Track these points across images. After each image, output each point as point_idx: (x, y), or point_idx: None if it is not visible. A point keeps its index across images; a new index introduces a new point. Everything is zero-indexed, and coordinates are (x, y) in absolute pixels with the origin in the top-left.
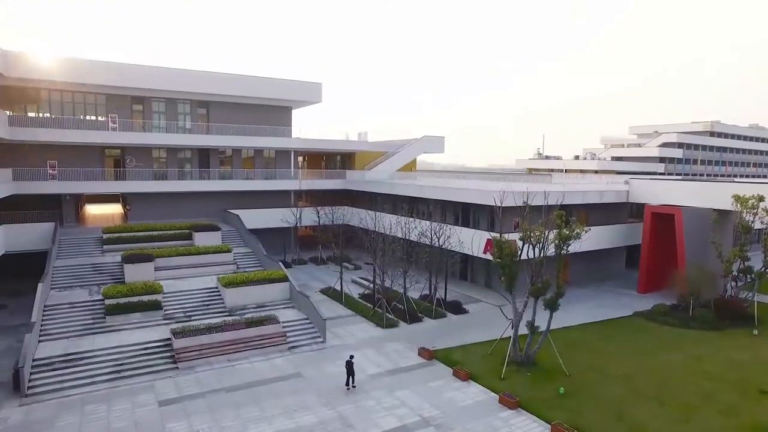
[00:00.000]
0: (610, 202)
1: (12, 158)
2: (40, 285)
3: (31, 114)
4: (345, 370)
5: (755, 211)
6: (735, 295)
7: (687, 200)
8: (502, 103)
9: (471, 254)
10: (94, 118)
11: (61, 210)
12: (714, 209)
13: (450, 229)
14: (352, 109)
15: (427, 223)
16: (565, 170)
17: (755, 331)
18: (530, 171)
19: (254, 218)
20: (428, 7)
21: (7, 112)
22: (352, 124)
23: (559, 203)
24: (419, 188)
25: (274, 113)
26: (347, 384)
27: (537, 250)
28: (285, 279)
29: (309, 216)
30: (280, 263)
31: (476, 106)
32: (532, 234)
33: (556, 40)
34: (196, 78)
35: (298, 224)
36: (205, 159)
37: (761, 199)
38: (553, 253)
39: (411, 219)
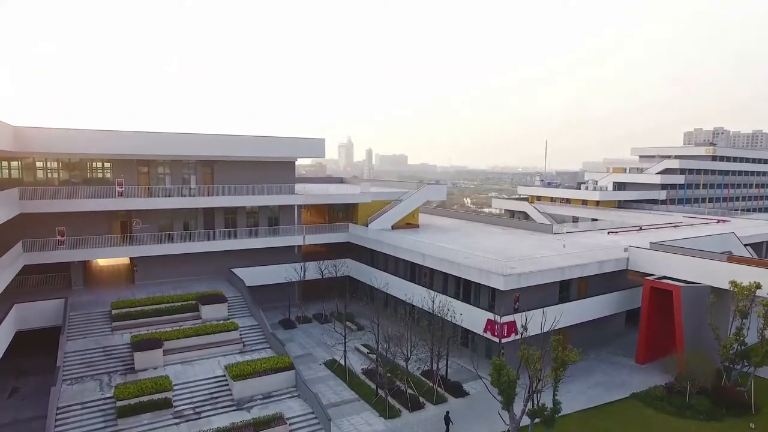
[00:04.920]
0: (609, 271)
1: (22, 228)
2: (52, 389)
3: (39, 170)
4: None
5: (752, 297)
6: (733, 375)
7: (685, 274)
8: (503, 102)
9: (472, 331)
10: (100, 182)
11: (69, 273)
12: (712, 288)
13: (451, 307)
14: (356, 110)
15: (429, 296)
16: (569, 200)
17: (752, 425)
18: (532, 199)
19: (259, 275)
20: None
21: (17, 189)
22: (355, 128)
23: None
24: (422, 256)
25: (278, 168)
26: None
27: (534, 376)
28: (291, 367)
29: (313, 271)
30: (286, 351)
31: (477, 106)
32: (531, 364)
33: (556, 39)
34: (201, 141)
35: (301, 279)
36: (210, 217)
37: (758, 286)
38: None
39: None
